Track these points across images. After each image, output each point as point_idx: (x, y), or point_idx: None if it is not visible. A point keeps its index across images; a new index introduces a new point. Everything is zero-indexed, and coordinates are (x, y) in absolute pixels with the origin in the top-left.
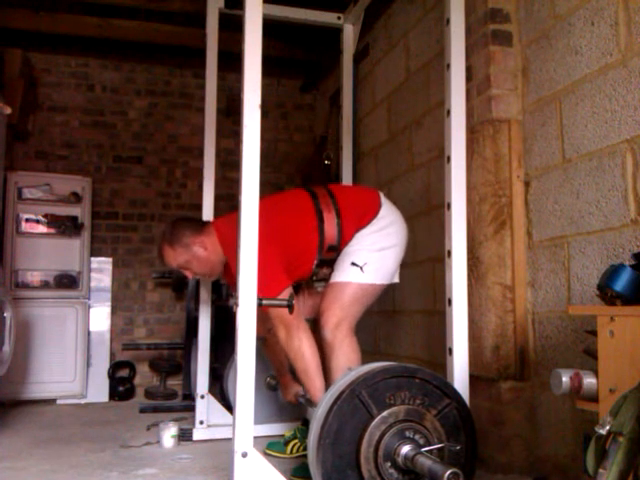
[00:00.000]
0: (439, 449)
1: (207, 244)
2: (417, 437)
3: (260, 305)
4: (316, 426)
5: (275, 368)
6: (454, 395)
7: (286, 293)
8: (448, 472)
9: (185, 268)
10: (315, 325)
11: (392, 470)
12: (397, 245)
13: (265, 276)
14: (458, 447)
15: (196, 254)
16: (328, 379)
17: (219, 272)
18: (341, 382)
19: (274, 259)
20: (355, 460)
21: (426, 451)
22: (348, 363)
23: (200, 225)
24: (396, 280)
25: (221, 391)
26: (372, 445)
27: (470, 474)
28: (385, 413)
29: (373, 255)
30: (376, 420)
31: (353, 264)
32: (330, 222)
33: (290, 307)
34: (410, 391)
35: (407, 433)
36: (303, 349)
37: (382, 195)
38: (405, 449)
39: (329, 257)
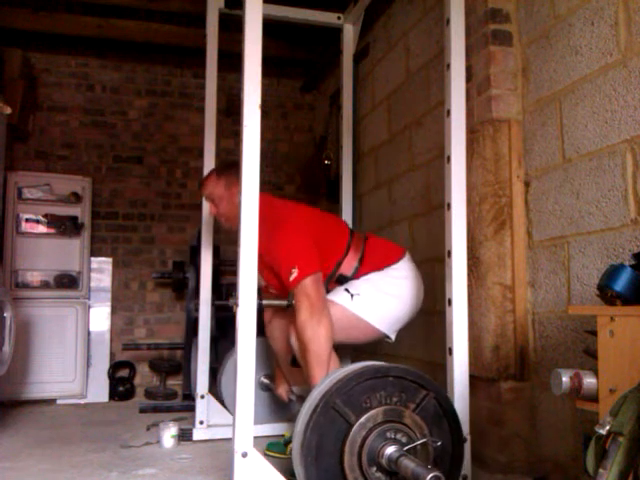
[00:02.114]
0: (423, 444)
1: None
2: (399, 436)
3: (260, 305)
4: (297, 443)
5: (276, 357)
6: (430, 386)
7: (310, 282)
8: (429, 476)
9: (213, 202)
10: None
11: (379, 474)
12: (401, 297)
13: (301, 255)
14: (439, 443)
15: (231, 197)
16: None
17: (235, 225)
18: (315, 394)
19: (309, 242)
20: (340, 471)
21: (409, 449)
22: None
23: None
24: (390, 335)
25: (215, 393)
26: (355, 454)
27: (459, 459)
28: (363, 419)
29: (370, 291)
30: (355, 427)
31: (346, 290)
32: (350, 261)
33: (290, 307)
34: (386, 390)
35: (388, 434)
36: (321, 332)
37: (407, 254)
38: (388, 451)
39: (332, 288)
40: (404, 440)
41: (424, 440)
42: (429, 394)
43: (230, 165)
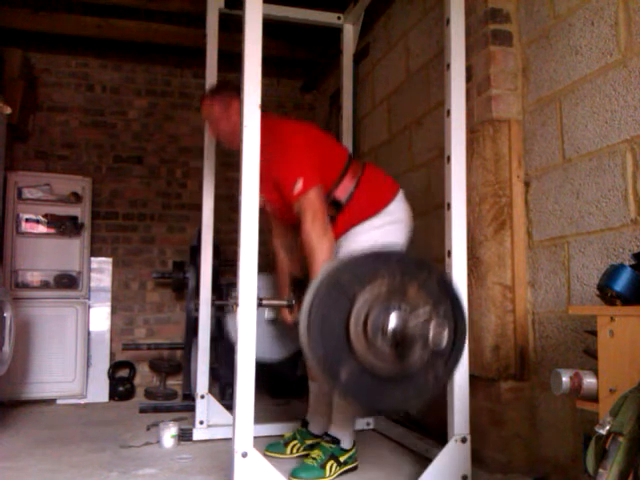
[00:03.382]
0: (427, 319)
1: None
2: (403, 309)
3: (260, 305)
4: (303, 318)
5: (280, 287)
6: (432, 268)
7: (314, 193)
8: (432, 330)
9: (212, 122)
10: None
11: (384, 344)
12: (398, 246)
13: (307, 167)
14: (444, 309)
15: (229, 117)
16: None
17: (236, 146)
18: (320, 273)
19: (314, 156)
20: (346, 342)
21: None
22: None
23: None
24: None
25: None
26: (360, 325)
27: (462, 334)
28: (367, 293)
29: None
30: (359, 300)
31: None
32: (346, 185)
33: (290, 307)
34: (389, 270)
35: (392, 307)
36: (325, 242)
37: (401, 191)
38: (393, 320)
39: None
40: (408, 309)
41: (429, 307)
42: (431, 275)
43: (223, 85)
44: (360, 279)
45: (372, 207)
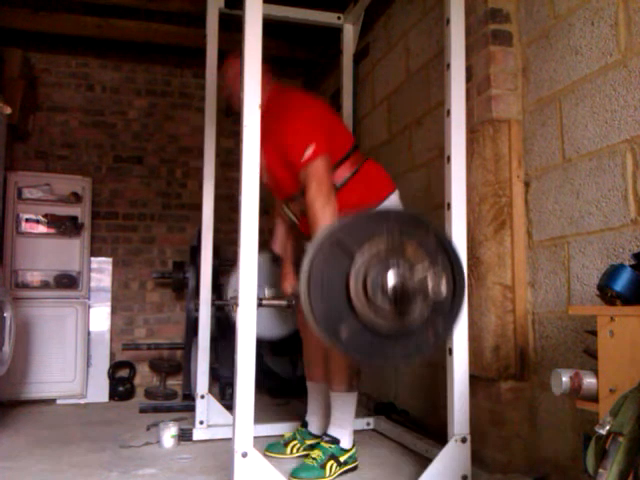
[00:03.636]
0: (425, 274)
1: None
2: (402, 265)
3: (260, 305)
4: (303, 278)
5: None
6: (431, 225)
7: (322, 162)
8: (431, 279)
9: (231, 81)
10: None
11: (384, 301)
12: None
13: (318, 136)
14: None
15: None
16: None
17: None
18: (320, 233)
19: (325, 127)
20: (346, 300)
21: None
22: None
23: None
24: None
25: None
26: (359, 281)
27: (460, 290)
28: (366, 249)
29: None
30: (359, 258)
31: None
32: (344, 170)
33: (290, 307)
34: (387, 228)
35: (391, 264)
36: (328, 210)
37: (397, 190)
38: (392, 277)
39: None
40: (407, 266)
41: (427, 262)
42: (429, 232)
43: None
44: (359, 238)
45: (365, 200)
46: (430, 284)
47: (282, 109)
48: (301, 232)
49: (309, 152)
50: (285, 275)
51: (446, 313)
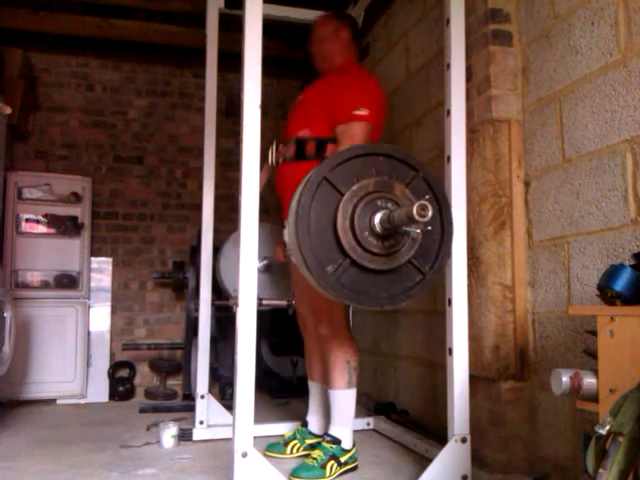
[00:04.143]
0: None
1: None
2: (389, 205)
3: (260, 305)
4: (291, 216)
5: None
6: (419, 166)
7: (366, 128)
8: (416, 205)
9: (319, 39)
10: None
11: (371, 238)
12: None
13: (375, 105)
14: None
15: (338, 38)
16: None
17: (325, 67)
18: (310, 172)
19: (381, 108)
20: (334, 237)
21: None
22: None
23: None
24: None
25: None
26: (347, 218)
27: (449, 234)
28: (355, 187)
29: None
30: (347, 195)
31: None
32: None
33: (290, 307)
34: (376, 168)
35: (379, 202)
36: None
37: None
38: (379, 214)
39: None
40: (394, 208)
41: (418, 202)
42: (419, 174)
43: (342, 14)
44: (348, 177)
45: None
46: (415, 208)
47: (357, 72)
48: (274, 185)
49: (363, 111)
50: (278, 241)
51: (433, 257)
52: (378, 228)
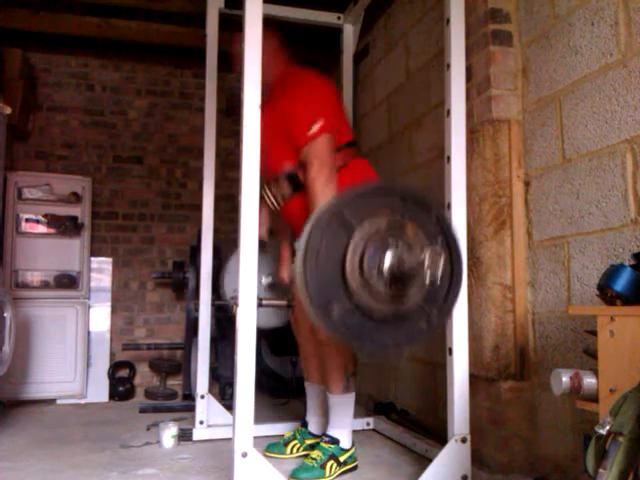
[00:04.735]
0: (422, 257)
1: (277, 53)
2: (400, 243)
3: (260, 305)
4: (300, 251)
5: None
6: (433, 207)
7: (327, 141)
8: (428, 252)
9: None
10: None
11: (379, 280)
12: None
13: (327, 113)
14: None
15: (277, 53)
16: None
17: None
18: (322, 205)
19: (334, 108)
20: (341, 275)
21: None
22: None
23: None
24: None
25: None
26: (356, 260)
27: (457, 281)
28: (366, 226)
29: None
30: (358, 232)
31: None
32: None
33: (290, 307)
34: (390, 207)
35: (390, 241)
36: (328, 191)
37: None
38: (389, 258)
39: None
40: (405, 248)
41: (428, 245)
42: (431, 214)
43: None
44: (361, 213)
45: None
46: (427, 269)
47: (294, 83)
48: (282, 220)
49: (316, 127)
50: (282, 260)
51: (441, 302)
52: (387, 273)
